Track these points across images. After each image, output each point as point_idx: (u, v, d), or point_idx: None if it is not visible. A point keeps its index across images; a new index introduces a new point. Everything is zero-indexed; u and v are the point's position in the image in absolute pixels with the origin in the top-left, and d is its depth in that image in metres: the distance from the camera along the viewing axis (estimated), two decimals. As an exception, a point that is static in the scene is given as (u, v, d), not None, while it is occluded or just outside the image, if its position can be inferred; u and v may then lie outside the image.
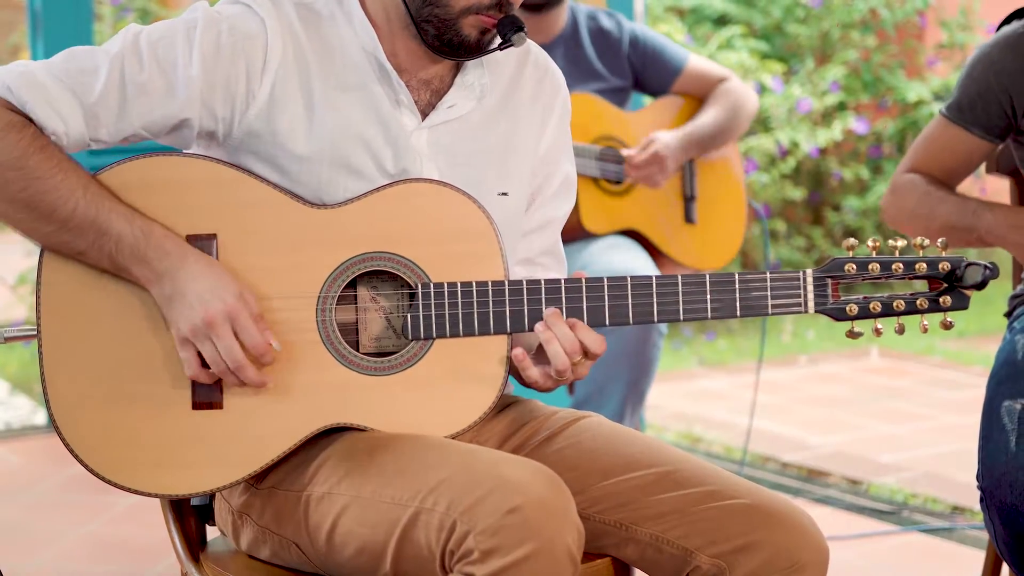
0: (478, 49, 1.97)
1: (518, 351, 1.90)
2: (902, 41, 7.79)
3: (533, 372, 1.92)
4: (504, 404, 2.10)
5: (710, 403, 5.37)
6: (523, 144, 2.08)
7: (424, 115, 2.01)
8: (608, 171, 3.64)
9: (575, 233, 3.59)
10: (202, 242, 1.90)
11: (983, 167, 2.68)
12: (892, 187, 2.60)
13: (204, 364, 1.87)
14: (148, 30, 1.93)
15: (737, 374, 5.89)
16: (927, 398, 5.38)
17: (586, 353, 1.90)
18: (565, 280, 1.91)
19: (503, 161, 2.05)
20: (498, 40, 1.98)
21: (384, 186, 1.92)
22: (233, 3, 1.97)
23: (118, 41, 1.92)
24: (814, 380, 5.77)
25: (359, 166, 1.95)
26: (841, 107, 7.44)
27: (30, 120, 1.87)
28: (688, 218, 3.76)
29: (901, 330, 1.95)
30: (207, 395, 1.91)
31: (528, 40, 2.11)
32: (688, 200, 3.75)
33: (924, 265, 1.92)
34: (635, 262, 3.51)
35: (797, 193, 7.19)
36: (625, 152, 3.64)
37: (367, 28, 1.98)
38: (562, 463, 1.96)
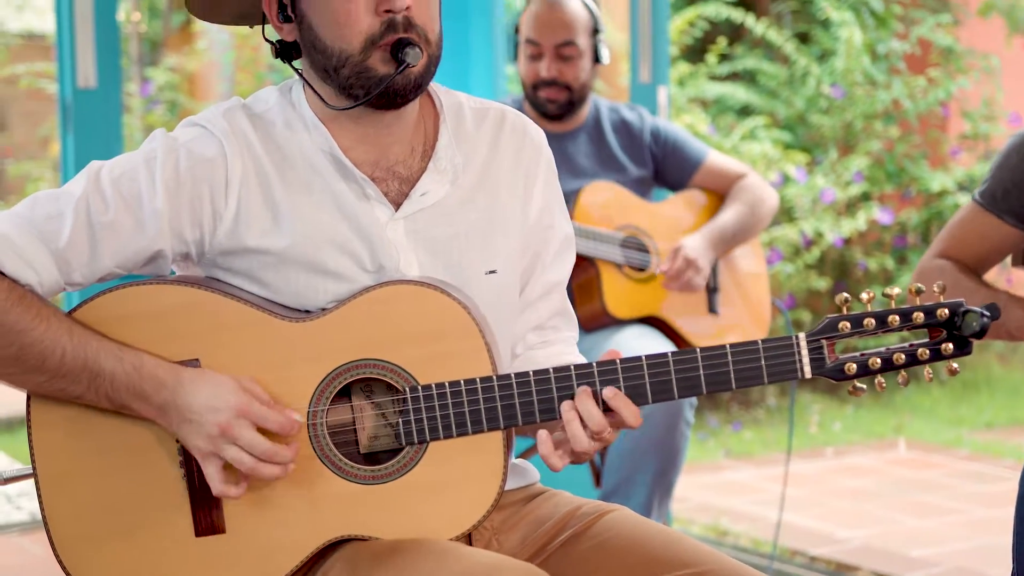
0: (404, 81, 1.90)
1: (541, 436, 1.87)
2: (925, 132, 7.81)
3: (556, 461, 1.88)
4: (529, 496, 2.07)
5: (737, 495, 5.32)
6: (507, 216, 2.04)
7: (396, 205, 1.98)
8: (632, 258, 3.64)
9: (601, 319, 3.59)
10: None
11: (1009, 258, 2.65)
12: (920, 272, 2.54)
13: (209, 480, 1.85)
14: (109, 166, 1.92)
15: (764, 466, 5.84)
16: (956, 491, 5.32)
17: (620, 424, 1.87)
18: (554, 369, 1.87)
19: (486, 238, 2.01)
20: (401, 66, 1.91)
21: (361, 292, 1.90)
22: (190, 126, 1.97)
23: (81, 181, 1.91)
24: (841, 472, 5.71)
25: (336, 268, 1.93)
26: (865, 197, 7.45)
27: (2, 274, 1.85)
28: (711, 309, 3.76)
29: (905, 382, 1.86)
30: (209, 520, 1.89)
31: (503, 106, 2.09)
32: (711, 292, 3.75)
33: (921, 315, 1.84)
34: (659, 349, 3.50)
35: (822, 283, 7.18)
36: (658, 271, 3.65)
37: (319, 128, 1.96)
38: (586, 566, 1.93)
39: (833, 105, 7.55)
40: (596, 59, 3.79)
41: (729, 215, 3.77)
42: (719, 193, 3.86)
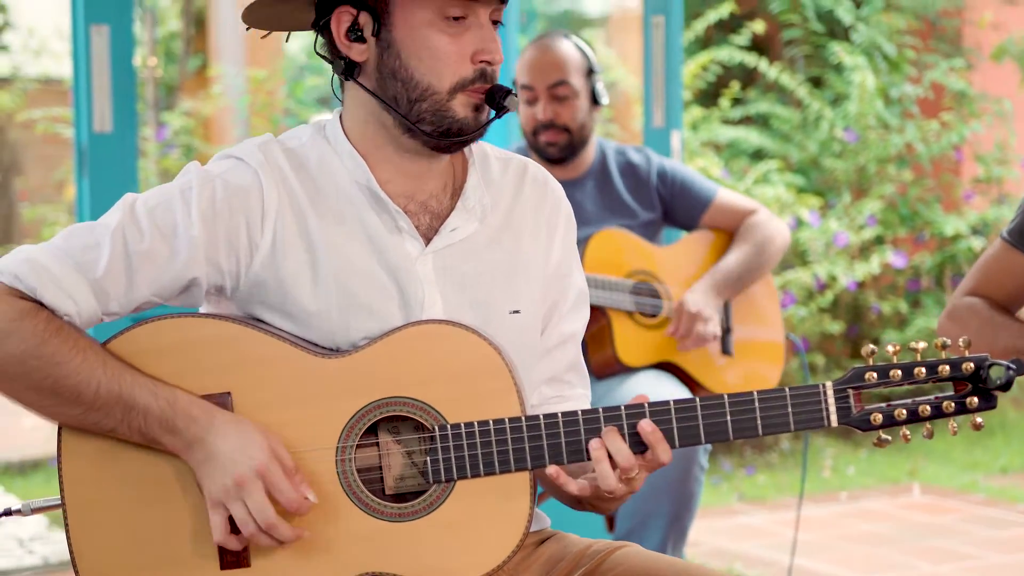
0: (476, 127, 1.98)
1: (551, 469, 1.89)
2: (939, 175, 7.81)
3: (573, 487, 1.91)
4: (540, 539, 2.08)
5: (750, 540, 5.30)
6: (530, 260, 2.07)
7: (427, 239, 2.01)
8: (643, 305, 3.64)
9: (612, 367, 3.57)
10: (217, 401, 1.90)
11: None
12: (950, 311, 2.53)
13: (233, 530, 1.87)
14: (144, 198, 1.95)
15: (777, 510, 5.82)
16: (971, 536, 5.30)
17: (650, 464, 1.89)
18: (583, 411, 1.90)
19: (511, 279, 2.05)
20: (491, 112, 1.99)
21: (394, 330, 1.93)
22: (224, 158, 2.00)
23: (116, 213, 1.94)
24: (855, 517, 5.69)
25: (367, 301, 1.96)
26: (879, 241, 7.45)
27: (41, 305, 1.88)
28: (725, 350, 3.75)
29: (930, 435, 1.88)
30: (234, 555, 1.90)
31: (525, 158, 2.14)
32: (724, 332, 3.74)
33: (947, 368, 1.87)
34: (673, 394, 3.49)
35: (836, 327, 7.17)
36: (667, 333, 3.63)
37: (356, 160, 2.00)
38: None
39: (846, 149, 7.56)
40: (594, 101, 3.79)
41: (734, 258, 3.75)
42: (728, 231, 3.84)
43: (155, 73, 8.58)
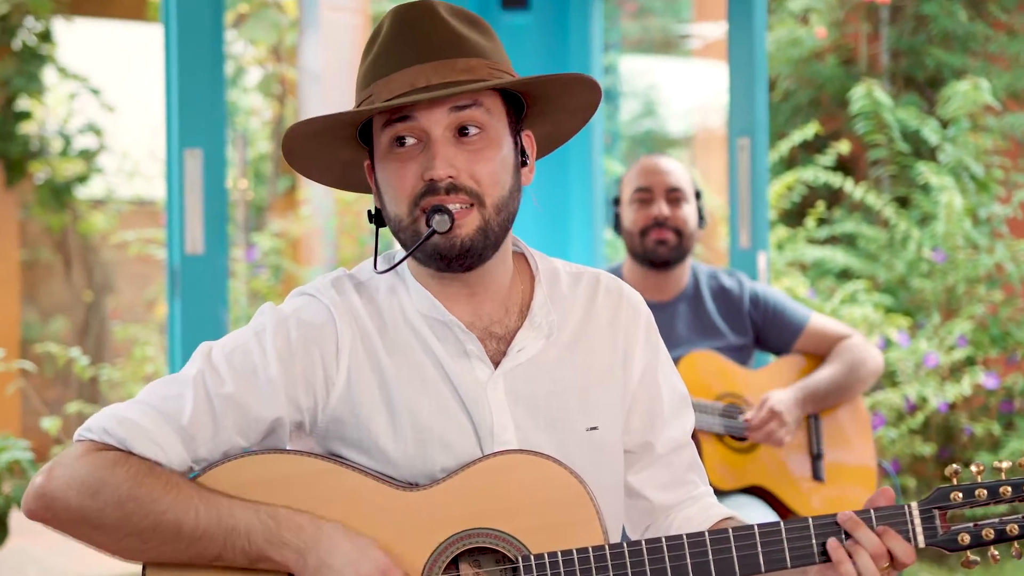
0: (449, 244, 1.93)
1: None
2: (1030, 295, 7.72)
3: None
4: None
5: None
6: (606, 373, 2.06)
7: (496, 364, 2.01)
8: (732, 428, 3.61)
9: (702, 491, 3.54)
10: None
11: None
12: None
13: None
14: (219, 344, 1.98)
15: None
16: (1073, 667, 5.13)
17: (893, 562, 1.89)
18: (666, 538, 1.91)
19: (586, 395, 2.04)
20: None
21: (473, 462, 1.93)
22: (298, 295, 2.03)
23: (196, 363, 1.96)
24: (951, 645, 5.54)
25: (441, 435, 1.96)
26: (969, 362, 7.35)
27: (131, 454, 1.90)
28: (816, 476, 3.70)
29: (1019, 555, 1.88)
30: None
31: (598, 271, 2.13)
32: (816, 458, 3.70)
33: None
34: (763, 519, 3.45)
35: (927, 449, 7.05)
36: (743, 417, 3.62)
37: (422, 293, 2.00)
38: None
39: (935, 269, 7.50)
40: (700, 219, 3.86)
41: (825, 373, 3.74)
42: (821, 356, 3.83)
43: (246, 195, 8.73)
